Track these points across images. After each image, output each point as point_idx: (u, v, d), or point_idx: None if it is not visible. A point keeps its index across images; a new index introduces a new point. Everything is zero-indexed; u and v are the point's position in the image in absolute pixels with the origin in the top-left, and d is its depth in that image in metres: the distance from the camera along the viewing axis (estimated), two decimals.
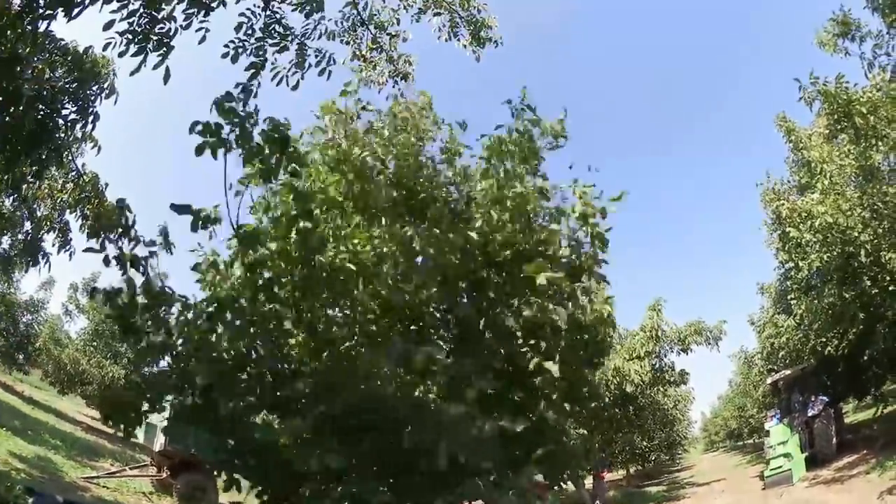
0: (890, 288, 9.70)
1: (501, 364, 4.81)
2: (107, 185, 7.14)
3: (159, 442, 10.47)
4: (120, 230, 4.13)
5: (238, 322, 4.16)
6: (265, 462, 4.34)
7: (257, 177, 4.18)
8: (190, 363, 4.06)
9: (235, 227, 4.06)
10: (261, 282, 4.25)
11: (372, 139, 5.24)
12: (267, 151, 3.78)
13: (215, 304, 4.26)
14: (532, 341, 4.73)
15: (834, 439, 13.20)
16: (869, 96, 8.47)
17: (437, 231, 4.75)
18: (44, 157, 5.58)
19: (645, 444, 23.05)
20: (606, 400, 13.37)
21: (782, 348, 16.36)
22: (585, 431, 13.39)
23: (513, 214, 4.94)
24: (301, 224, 4.17)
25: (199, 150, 3.60)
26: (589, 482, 14.85)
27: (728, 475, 19.81)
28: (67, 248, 7.38)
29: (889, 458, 9.51)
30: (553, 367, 4.49)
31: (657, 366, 14.86)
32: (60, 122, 5.57)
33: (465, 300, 5.15)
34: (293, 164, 3.97)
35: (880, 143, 8.68)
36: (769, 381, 16.28)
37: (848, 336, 11.73)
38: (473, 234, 4.76)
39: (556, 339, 5.11)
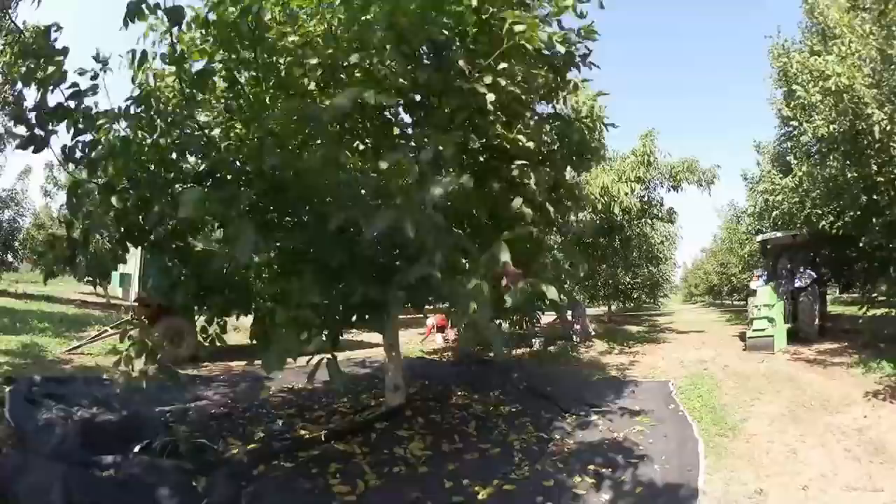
0: None
1: (473, 145, 4.56)
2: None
3: (134, 292, 10.39)
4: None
5: (168, 119, 3.93)
6: (220, 285, 4.24)
7: None
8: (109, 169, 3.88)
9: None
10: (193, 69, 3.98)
11: None
12: None
13: (136, 101, 4.01)
14: (508, 118, 4.49)
15: (817, 320, 13.38)
16: None
17: None
18: None
19: (629, 279, 23.11)
20: (592, 219, 13.08)
21: (776, 208, 16.13)
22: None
23: None
24: None
25: None
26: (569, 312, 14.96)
27: (707, 329, 20.77)
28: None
29: (873, 360, 9.48)
30: (530, 144, 4.29)
31: (646, 198, 14.48)
32: None
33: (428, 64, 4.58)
34: None
35: None
36: (759, 238, 16.11)
37: (844, 217, 11.35)
38: None
39: (539, 124, 4.88)
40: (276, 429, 5.67)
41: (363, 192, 3.81)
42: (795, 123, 11.73)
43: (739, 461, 5.15)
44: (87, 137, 3.85)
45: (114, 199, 3.77)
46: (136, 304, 10.39)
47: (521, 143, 4.51)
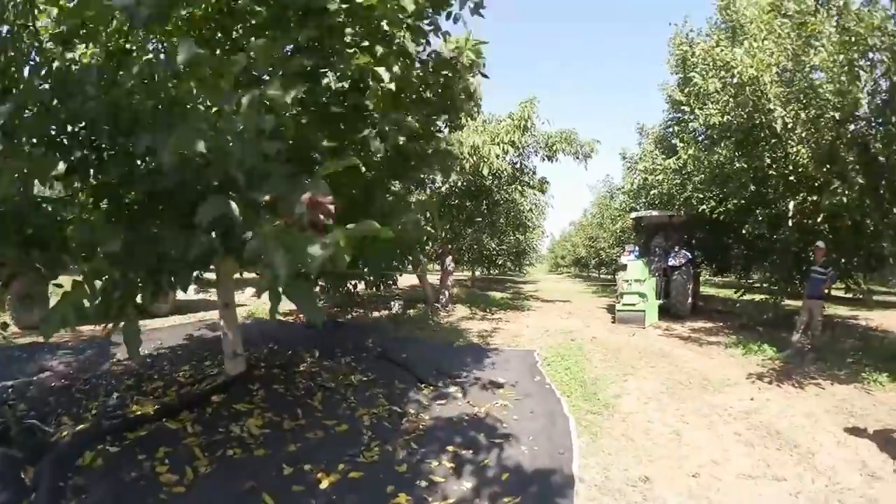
0: (791, 178, 9.62)
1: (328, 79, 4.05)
2: None
3: None
4: None
5: None
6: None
7: None
8: None
9: None
10: None
11: None
12: None
13: None
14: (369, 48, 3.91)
15: (690, 299, 13.91)
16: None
17: None
18: None
19: (494, 245, 23.11)
20: (459, 182, 12.69)
21: (655, 187, 16.69)
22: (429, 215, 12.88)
23: None
24: None
25: None
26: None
27: (573, 299, 21.31)
28: None
29: (754, 342, 9.78)
30: (386, 76, 3.76)
31: (518, 164, 14.27)
32: None
33: None
34: None
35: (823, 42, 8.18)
36: (633, 216, 16.48)
37: (727, 203, 11.78)
38: None
39: (404, 61, 4.23)
40: (110, 404, 5.12)
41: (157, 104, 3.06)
42: (687, 109, 11.88)
43: (617, 443, 4.84)
44: None
45: None
46: None
47: (382, 80, 3.94)
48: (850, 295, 13.54)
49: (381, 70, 3.80)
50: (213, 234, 3.04)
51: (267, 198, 2.36)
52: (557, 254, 59.87)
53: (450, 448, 4.38)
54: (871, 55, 7.27)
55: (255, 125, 2.46)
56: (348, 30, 3.83)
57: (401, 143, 4.49)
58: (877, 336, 10.86)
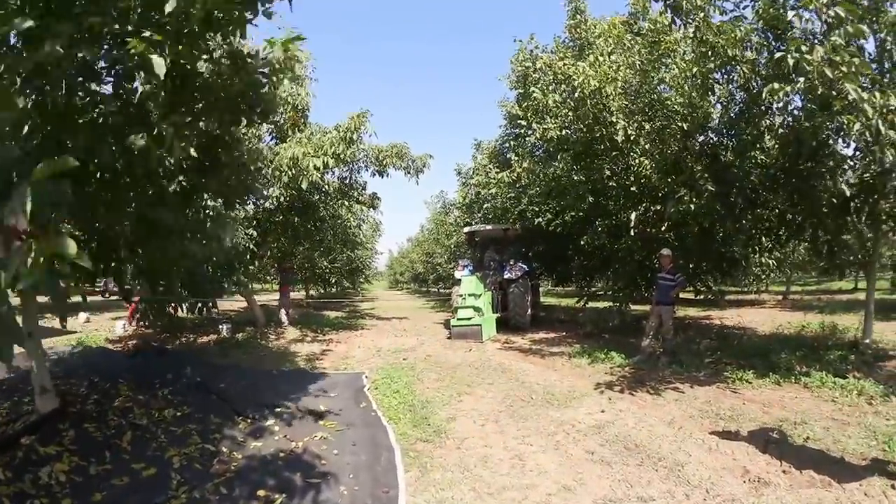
0: (632, 189, 9.71)
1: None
2: None
3: None
4: None
5: None
6: None
7: None
8: None
9: None
10: None
11: None
12: None
13: None
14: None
15: (529, 310, 13.71)
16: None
17: None
18: None
19: (326, 264, 22.62)
20: (281, 198, 11.68)
21: (488, 201, 16.64)
22: (256, 234, 11.50)
23: None
24: None
25: None
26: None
27: (410, 316, 20.69)
28: None
29: (600, 350, 9.52)
30: (160, 65, 3.27)
31: (348, 180, 13.80)
32: None
33: None
34: None
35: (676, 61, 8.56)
36: (466, 230, 16.24)
37: (565, 216, 11.74)
38: None
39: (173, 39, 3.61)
40: None
41: None
42: (524, 123, 11.88)
43: (451, 475, 4.24)
44: None
45: None
46: None
47: (154, 71, 3.40)
48: (700, 297, 14.00)
49: (155, 58, 3.28)
50: None
51: None
52: (396, 270, 59.85)
53: (261, 492, 3.85)
54: (727, 68, 7.43)
55: None
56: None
57: (189, 151, 4.07)
58: (734, 333, 11.13)
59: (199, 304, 10.51)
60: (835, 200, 6.98)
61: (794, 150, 6.87)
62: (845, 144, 6.59)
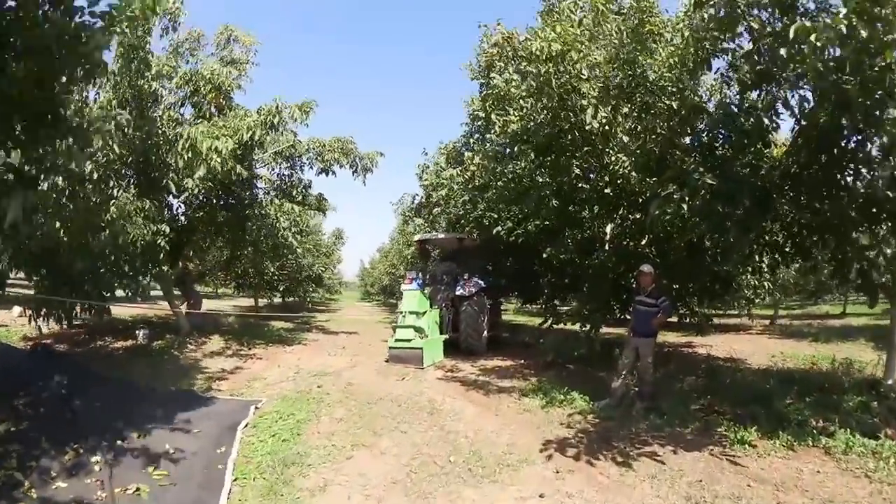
0: (606, 192, 7.99)
1: None
2: None
3: None
4: None
5: None
6: None
7: None
8: None
9: None
10: None
11: None
12: None
13: None
14: None
15: (485, 332, 11.87)
16: None
17: None
18: None
19: (273, 270, 21.31)
20: (196, 190, 10.05)
21: (439, 205, 14.90)
22: (168, 230, 9.34)
23: None
24: None
25: None
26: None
27: (363, 331, 18.75)
28: None
29: (559, 388, 7.62)
30: None
31: (290, 178, 13.27)
32: None
33: None
34: None
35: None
36: (416, 238, 14.55)
37: (528, 224, 9.84)
38: None
39: None
40: None
41: None
42: (483, 115, 10.48)
43: None
44: None
45: None
46: None
47: None
48: (675, 319, 11.38)
49: None
50: None
51: None
52: (367, 282, 57.71)
53: None
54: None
55: None
56: None
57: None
58: (724, 368, 9.05)
59: (90, 308, 9.31)
60: (870, 205, 5.09)
61: (828, 123, 4.88)
62: None
